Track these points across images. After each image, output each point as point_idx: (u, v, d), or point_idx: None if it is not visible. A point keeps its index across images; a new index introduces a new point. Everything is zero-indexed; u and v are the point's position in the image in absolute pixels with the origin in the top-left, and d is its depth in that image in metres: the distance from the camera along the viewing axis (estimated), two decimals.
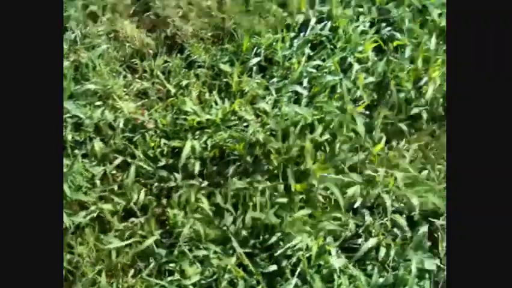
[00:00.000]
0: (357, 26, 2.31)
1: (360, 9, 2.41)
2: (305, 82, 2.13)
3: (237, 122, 1.90)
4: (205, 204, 1.59)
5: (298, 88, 2.08)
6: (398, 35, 2.29)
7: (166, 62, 2.08)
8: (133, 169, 1.68)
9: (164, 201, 1.66)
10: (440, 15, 2.37)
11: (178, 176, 1.68)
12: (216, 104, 1.94)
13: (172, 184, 1.67)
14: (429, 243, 1.66)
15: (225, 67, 2.07)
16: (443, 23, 2.35)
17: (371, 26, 2.35)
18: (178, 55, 2.11)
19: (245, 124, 1.92)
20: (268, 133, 1.89)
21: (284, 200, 1.62)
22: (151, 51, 2.11)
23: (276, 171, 1.74)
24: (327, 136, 1.90)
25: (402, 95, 2.09)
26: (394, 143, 1.98)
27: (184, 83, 1.98)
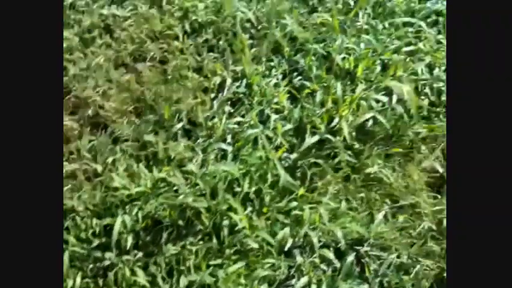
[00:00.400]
0: (270, 80, 2.51)
1: (272, 63, 2.63)
2: (229, 138, 2.26)
3: (167, 188, 1.98)
4: (140, 277, 1.63)
5: (223, 145, 2.21)
6: (307, 83, 2.50)
7: (91, 141, 2.16)
8: (66, 255, 1.70)
9: (101, 281, 1.68)
10: (343, 59, 2.62)
11: (112, 254, 1.72)
12: (145, 174, 2.02)
13: (107, 263, 1.70)
14: (358, 270, 1.78)
15: (150, 137, 2.17)
16: (347, 66, 2.59)
17: (283, 78, 2.56)
18: (103, 132, 2.20)
19: (175, 188, 2.00)
20: (198, 193, 1.98)
21: (218, 261, 1.70)
22: (75, 133, 2.18)
23: (208, 230, 1.82)
24: (254, 188, 2.02)
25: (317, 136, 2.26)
26: (316, 181, 2.13)
27: (110, 159, 2.05)
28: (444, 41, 2.76)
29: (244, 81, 2.48)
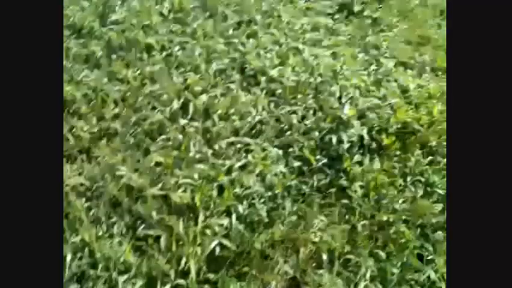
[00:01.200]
0: (113, 240, 2.50)
1: (113, 220, 2.63)
2: None
3: None
4: None
5: None
6: (151, 231, 2.53)
7: None
8: None
9: None
10: (180, 196, 2.73)
11: None
12: None
13: None
14: None
15: None
16: (185, 201, 2.71)
17: (127, 231, 2.56)
18: None
19: None
20: None
21: None
22: None
23: None
24: None
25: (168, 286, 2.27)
26: None
27: None
28: (270, 148, 3.06)
29: (86, 250, 2.45)
